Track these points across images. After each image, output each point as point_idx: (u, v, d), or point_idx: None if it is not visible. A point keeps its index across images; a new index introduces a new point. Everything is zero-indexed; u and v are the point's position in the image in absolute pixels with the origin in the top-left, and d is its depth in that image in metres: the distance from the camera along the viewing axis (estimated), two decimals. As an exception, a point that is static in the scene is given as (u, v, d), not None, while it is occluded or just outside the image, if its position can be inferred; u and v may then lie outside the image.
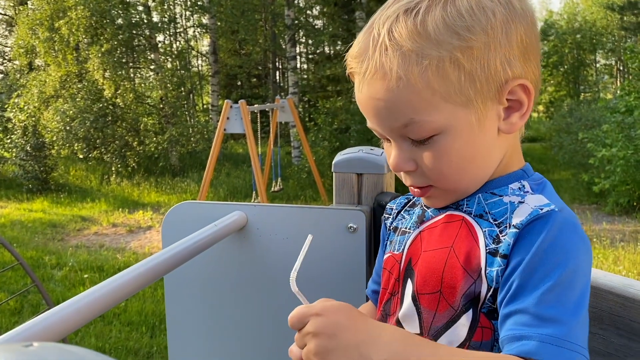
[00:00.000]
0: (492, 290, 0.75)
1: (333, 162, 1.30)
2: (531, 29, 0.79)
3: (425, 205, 0.90)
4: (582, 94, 19.42)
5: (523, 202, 0.77)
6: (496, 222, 0.78)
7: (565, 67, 19.70)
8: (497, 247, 0.75)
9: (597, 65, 20.98)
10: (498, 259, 0.74)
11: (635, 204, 9.43)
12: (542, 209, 0.74)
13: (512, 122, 0.80)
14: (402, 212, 0.97)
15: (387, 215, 1.01)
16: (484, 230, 0.78)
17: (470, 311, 0.77)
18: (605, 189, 9.58)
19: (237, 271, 1.28)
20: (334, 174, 1.30)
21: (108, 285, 0.84)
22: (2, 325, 5.51)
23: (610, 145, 9.78)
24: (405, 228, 0.92)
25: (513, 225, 0.75)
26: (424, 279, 0.82)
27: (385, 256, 0.95)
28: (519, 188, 0.81)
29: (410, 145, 0.80)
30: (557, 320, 0.67)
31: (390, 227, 0.98)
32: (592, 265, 0.76)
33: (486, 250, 0.76)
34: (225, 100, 8.23)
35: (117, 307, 5.89)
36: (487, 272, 0.75)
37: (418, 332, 0.82)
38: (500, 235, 0.76)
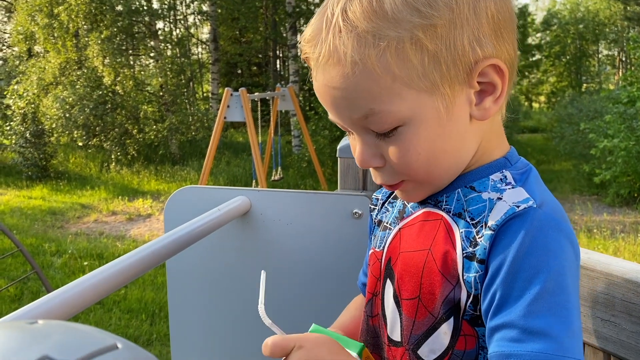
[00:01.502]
0: (472, 297, 0.70)
1: (338, 147, 1.28)
2: (503, 3, 0.72)
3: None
4: (584, 84, 19.35)
5: (501, 198, 0.71)
6: (473, 222, 0.71)
7: (568, 57, 19.60)
8: (474, 251, 0.69)
9: (600, 55, 20.89)
10: (475, 263, 0.69)
11: (636, 195, 9.43)
12: (518, 207, 0.68)
13: (486, 107, 0.72)
14: (386, 204, 0.92)
15: (372, 206, 0.96)
16: (461, 231, 0.72)
17: (452, 319, 0.72)
18: (606, 180, 9.57)
19: (240, 257, 1.26)
20: (338, 159, 1.28)
21: (110, 269, 0.82)
22: (2, 311, 5.52)
23: (612, 136, 9.75)
24: (387, 223, 0.87)
25: (489, 226, 0.68)
26: (403, 282, 0.77)
27: (369, 252, 0.91)
28: (501, 179, 0.74)
29: (374, 139, 0.73)
30: (547, 334, 0.62)
31: (375, 219, 0.93)
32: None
33: (463, 254, 0.70)
34: (226, 88, 8.19)
35: (116, 294, 5.89)
36: (464, 277, 0.70)
37: (399, 340, 0.78)
38: (477, 237, 0.70)
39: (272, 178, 9.53)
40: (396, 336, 0.80)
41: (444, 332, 0.73)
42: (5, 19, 22.82)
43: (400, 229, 0.83)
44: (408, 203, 0.83)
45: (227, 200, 1.22)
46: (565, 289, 0.64)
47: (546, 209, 0.68)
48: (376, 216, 0.93)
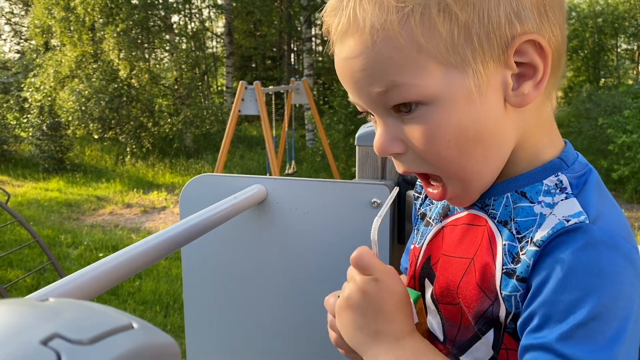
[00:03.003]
0: (512, 315, 0.64)
1: (357, 135, 1.26)
2: None
3: None
4: (603, 79, 19.08)
5: (552, 213, 0.63)
6: (519, 236, 0.64)
7: (586, 51, 19.34)
8: (514, 268, 0.63)
9: (618, 50, 20.58)
10: (515, 281, 0.63)
11: (654, 191, 9.28)
12: (568, 221, 0.60)
13: (524, 93, 0.63)
14: None
15: (416, 194, 0.88)
16: (504, 243, 0.65)
17: (492, 332, 0.67)
18: (624, 175, 9.43)
19: (256, 246, 1.24)
20: (357, 147, 1.26)
21: (125, 254, 0.81)
22: (18, 301, 5.58)
23: (630, 131, 9.60)
24: (430, 218, 0.81)
25: (534, 242, 0.62)
26: (442, 286, 0.73)
27: (410, 247, 0.86)
28: (556, 184, 0.65)
29: (396, 121, 0.65)
30: None
31: (418, 211, 0.86)
32: None
33: (502, 269, 0.64)
34: (240, 82, 8.18)
35: (131, 285, 5.93)
36: (503, 295, 0.64)
37: (442, 339, 0.75)
38: (520, 254, 0.63)
39: (286, 172, 9.52)
40: (436, 332, 0.77)
41: (485, 344, 0.69)
42: (23, 13, 23.04)
43: (443, 227, 0.77)
44: None
45: (242, 189, 1.20)
46: (618, 317, 0.57)
47: (602, 223, 0.60)
48: (419, 207, 0.86)
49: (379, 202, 1.15)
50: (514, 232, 0.65)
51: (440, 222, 0.79)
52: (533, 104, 0.65)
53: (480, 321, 0.68)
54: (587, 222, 0.60)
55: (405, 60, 0.61)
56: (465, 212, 0.73)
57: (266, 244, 1.24)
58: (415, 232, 0.86)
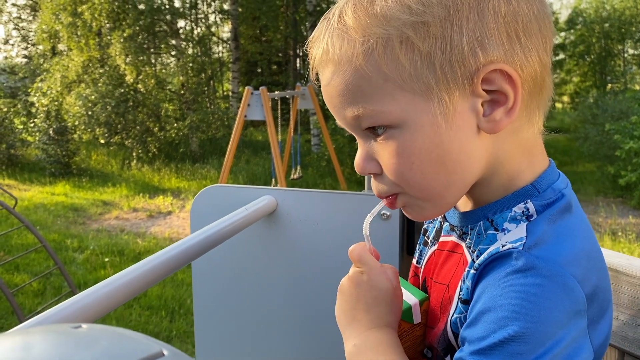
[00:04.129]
0: (459, 337, 0.66)
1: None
2: (526, 3, 0.64)
3: (444, 215, 0.79)
4: (609, 84, 19.03)
5: (501, 239, 0.65)
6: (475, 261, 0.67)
7: (592, 57, 19.30)
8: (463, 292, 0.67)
9: (625, 55, 20.52)
10: (460, 304, 0.67)
11: (662, 197, 9.24)
12: (503, 246, 0.62)
13: (495, 119, 0.64)
14: None
15: None
16: (466, 271, 0.68)
17: (448, 358, 0.71)
18: (631, 182, 9.39)
19: (266, 257, 1.25)
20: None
21: (139, 269, 0.82)
22: (25, 305, 5.60)
23: (638, 137, 9.57)
24: (428, 238, 0.85)
25: (474, 266, 0.65)
26: (431, 310, 0.77)
27: (414, 260, 0.88)
28: (523, 212, 0.67)
29: (370, 142, 0.69)
30: None
31: (424, 225, 0.88)
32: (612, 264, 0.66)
33: (458, 295, 0.68)
34: (246, 87, 8.22)
35: (136, 295, 5.94)
36: (452, 318, 0.68)
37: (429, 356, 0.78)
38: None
39: (291, 177, 9.53)
40: (428, 353, 0.79)
41: None
42: (31, 18, 23.21)
43: (434, 250, 0.80)
44: (443, 223, 0.79)
45: (252, 199, 1.21)
46: (542, 342, 0.57)
47: (539, 250, 0.61)
48: (426, 223, 0.88)
49: (388, 214, 1.16)
50: (475, 259, 0.67)
51: (434, 244, 0.81)
52: (509, 129, 0.67)
53: (440, 344, 0.72)
54: (521, 248, 0.61)
55: (372, 88, 0.64)
56: (451, 238, 0.76)
57: (276, 254, 1.25)
58: (417, 248, 0.88)
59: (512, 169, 0.69)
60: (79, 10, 14.23)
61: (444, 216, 0.79)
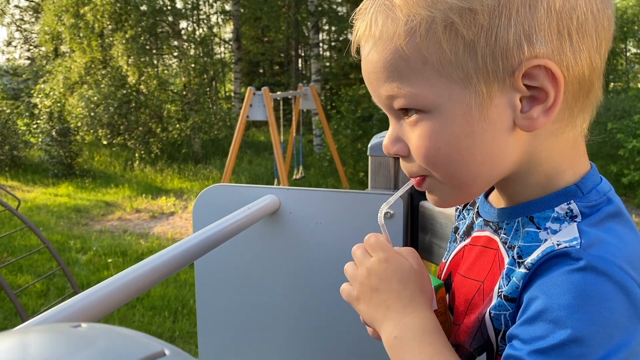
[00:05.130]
0: (501, 332, 0.65)
1: (369, 146, 1.26)
2: (585, 1, 0.61)
3: (477, 211, 0.78)
4: (612, 83, 19.00)
5: (551, 238, 0.63)
6: (519, 260, 0.65)
7: (594, 56, 19.23)
8: (504, 289, 0.65)
9: (628, 54, 20.47)
10: (503, 301, 0.64)
11: (665, 196, 9.21)
12: (559, 245, 0.60)
13: (533, 117, 0.62)
14: (464, 211, 0.86)
15: (457, 206, 0.89)
16: (506, 267, 0.66)
17: (484, 356, 0.69)
18: (635, 180, 9.36)
19: (269, 256, 1.25)
20: (369, 157, 1.26)
21: (142, 268, 0.81)
22: (29, 306, 5.61)
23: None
24: (458, 234, 0.83)
25: (524, 264, 0.62)
26: (454, 304, 0.75)
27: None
28: (566, 213, 0.65)
29: (401, 123, 0.68)
30: None
31: (455, 224, 0.87)
32: None
33: (498, 292, 0.66)
34: (248, 88, 8.22)
35: (139, 295, 5.94)
36: (492, 314, 0.66)
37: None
38: (512, 275, 0.64)
39: (294, 177, 9.53)
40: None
41: None
42: (33, 20, 23.25)
43: (464, 245, 0.78)
44: (478, 218, 0.77)
45: (254, 199, 1.20)
46: (602, 345, 0.55)
47: (597, 250, 0.59)
48: (455, 220, 0.87)
49: (392, 212, 1.15)
50: (516, 257, 0.66)
51: (464, 240, 0.80)
52: (549, 130, 0.65)
53: (474, 343, 0.69)
54: (578, 247, 0.59)
55: (410, 70, 0.63)
56: (484, 233, 0.74)
57: (279, 254, 1.24)
58: (448, 246, 0.87)
59: (550, 169, 0.67)
60: (81, 11, 14.25)
61: (477, 212, 0.78)
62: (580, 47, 0.61)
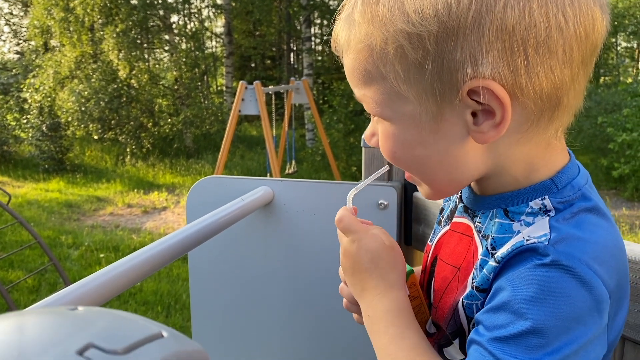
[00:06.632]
0: (473, 320, 0.67)
1: (362, 137, 1.25)
2: (542, 14, 0.58)
3: (460, 196, 0.80)
4: (602, 77, 19.09)
5: (522, 232, 0.65)
6: (493, 251, 0.67)
7: (585, 50, 19.28)
8: (477, 280, 0.67)
9: (618, 48, 20.57)
10: (475, 292, 0.67)
11: (655, 189, 9.28)
12: (528, 240, 0.62)
13: (483, 131, 0.63)
14: None
15: None
16: (479, 258, 0.68)
17: (457, 341, 0.72)
18: (625, 174, 9.43)
19: (263, 247, 1.24)
20: (363, 149, 1.25)
21: (134, 259, 0.81)
22: (20, 302, 5.58)
23: (630, 129, 9.60)
24: (443, 217, 0.85)
25: (494, 257, 0.65)
26: (435, 288, 0.78)
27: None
28: (540, 208, 0.66)
29: (376, 120, 0.73)
30: None
31: (442, 205, 0.90)
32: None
33: (472, 282, 0.68)
34: (240, 82, 8.18)
35: (132, 286, 5.92)
36: (464, 303, 0.69)
37: (432, 332, 0.80)
38: (484, 267, 0.66)
39: (286, 172, 9.52)
40: (430, 329, 0.80)
41: (455, 351, 0.73)
42: (22, 13, 23.02)
43: (448, 229, 0.81)
44: (460, 202, 0.79)
45: (248, 191, 1.20)
46: (559, 337, 0.58)
47: (563, 247, 0.61)
48: (443, 202, 0.90)
49: (386, 203, 1.15)
50: (489, 248, 0.67)
51: (447, 224, 0.82)
52: (511, 139, 0.66)
53: (449, 328, 0.72)
54: (546, 243, 0.61)
55: (371, 80, 0.67)
56: (463, 220, 0.76)
57: (273, 245, 1.24)
58: (434, 227, 0.89)
59: (522, 170, 0.68)
60: (71, 5, 14.12)
61: (460, 196, 0.79)
62: (538, 64, 0.60)
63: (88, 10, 13.92)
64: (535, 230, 0.64)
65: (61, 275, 5.08)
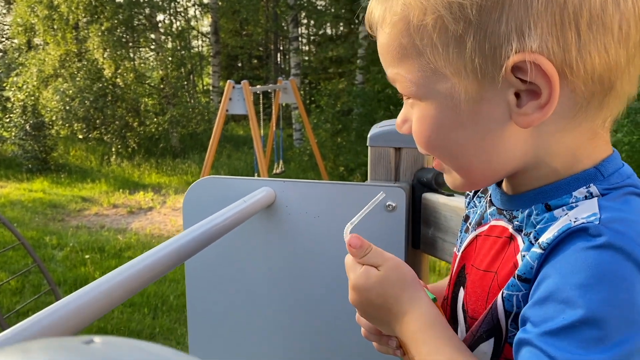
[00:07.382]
0: (512, 315, 0.61)
1: (369, 136, 1.20)
2: None
3: (490, 199, 0.74)
4: None
5: (567, 214, 0.59)
6: (536, 242, 0.60)
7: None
8: (519, 267, 0.61)
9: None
10: (517, 281, 0.60)
11: (641, 189, 9.37)
12: (575, 221, 0.56)
13: (526, 113, 0.58)
14: (475, 199, 0.83)
15: (468, 192, 0.86)
16: (522, 254, 0.62)
17: (492, 340, 0.65)
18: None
19: (264, 250, 1.18)
20: (369, 148, 1.20)
21: (130, 269, 0.74)
22: (3, 304, 5.45)
23: (615, 130, 9.66)
24: (470, 223, 0.79)
25: (539, 243, 0.58)
26: (470, 299, 0.71)
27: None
28: (585, 196, 0.60)
29: (408, 104, 0.69)
30: None
31: (466, 212, 0.84)
32: None
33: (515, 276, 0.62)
34: (228, 81, 8.10)
35: (129, 298, 5.81)
36: (504, 295, 0.62)
37: None
38: (527, 254, 0.60)
39: (274, 171, 9.45)
40: None
41: (483, 352, 0.66)
42: (5, 11, 22.67)
43: (477, 235, 0.74)
44: (490, 207, 0.73)
45: (248, 192, 1.14)
46: (619, 328, 0.50)
47: (617, 226, 0.54)
48: (467, 206, 0.84)
49: (394, 205, 1.10)
50: (532, 240, 0.61)
51: (475, 230, 0.76)
52: (558, 125, 0.60)
53: (484, 325, 0.66)
54: (597, 222, 0.55)
55: (407, 58, 0.63)
56: (498, 223, 0.70)
57: (275, 248, 1.18)
58: (458, 236, 0.83)
59: (564, 162, 0.63)
60: (55, 3, 13.92)
61: (490, 200, 0.74)
62: (592, 42, 0.55)
63: (73, 8, 13.73)
64: (581, 212, 0.57)
65: (45, 277, 4.97)
